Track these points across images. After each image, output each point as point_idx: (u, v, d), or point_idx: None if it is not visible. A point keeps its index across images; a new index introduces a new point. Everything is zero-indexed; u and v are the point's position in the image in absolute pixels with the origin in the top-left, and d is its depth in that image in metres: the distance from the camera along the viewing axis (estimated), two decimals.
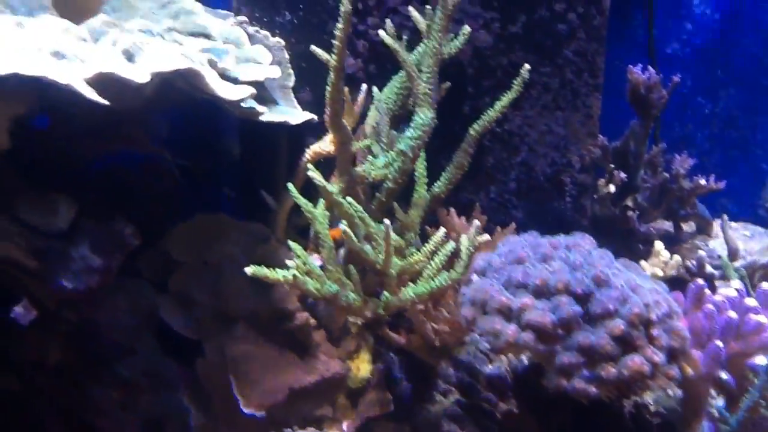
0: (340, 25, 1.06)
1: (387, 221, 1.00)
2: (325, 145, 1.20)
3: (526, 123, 1.50)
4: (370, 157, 1.18)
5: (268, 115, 1.14)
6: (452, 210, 1.27)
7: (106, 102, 0.86)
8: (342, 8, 1.05)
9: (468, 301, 0.96)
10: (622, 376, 0.86)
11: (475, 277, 0.99)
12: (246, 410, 1.08)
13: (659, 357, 0.87)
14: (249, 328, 1.21)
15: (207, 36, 1.33)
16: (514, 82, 1.21)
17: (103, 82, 0.88)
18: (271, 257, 1.24)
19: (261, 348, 1.19)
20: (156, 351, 1.13)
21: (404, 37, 1.45)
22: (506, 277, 0.94)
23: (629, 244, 1.53)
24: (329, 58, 1.07)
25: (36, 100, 0.91)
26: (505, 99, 1.20)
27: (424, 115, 1.11)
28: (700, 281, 0.98)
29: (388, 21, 1.40)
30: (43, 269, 0.94)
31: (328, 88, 1.11)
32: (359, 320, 1.17)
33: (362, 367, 1.24)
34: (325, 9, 1.47)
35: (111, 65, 0.89)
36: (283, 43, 1.46)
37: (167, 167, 1.14)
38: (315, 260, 1.24)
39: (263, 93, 1.32)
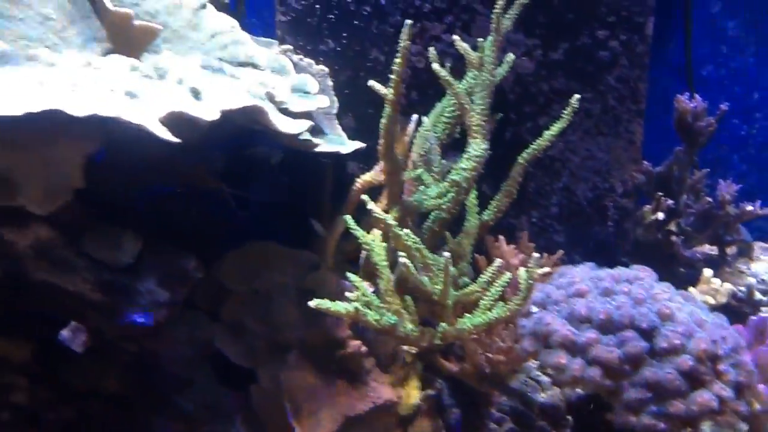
0: (398, 60, 1.07)
1: (447, 254, 1.01)
2: (376, 174, 1.21)
3: (568, 148, 1.51)
4: (422, 187, 1.18)
5: (322, 146, 1.15)
6: (501, 237, 1.28)
7: (177, 140, 0.88)
8: (401, 43, 1.07)
9: (529, 334, 0.96)
10: (691, 412, 0.86)
11: (534, 309, 0.99)
12: None
13: (727, 392, 0.87)
14: (302, 356, 1.21)
15: (255, 66, 1.34)
16: (564, 111, 1.21)
17: (173, 120, 0.90)
18: (321, 285, 1.25)
19: (314, 376, 1.20)
20: (212, 381, 1.14)
21: (447, 64, 1.46)
22: (568, 310, 0.95)
23: (672, 269, 1.53)
24: (386, 92, 1.08)
25: (104, 137, 0.92)
26: (555, 128, 1.21)
27: (478, 147, 1.12)
28: (763, 315, 0.98)
29: (431, 49, 1.42)
30: (111, 303, 0.95)
31: (384, 121, 1.12)
32: (413, 349, 1.17)
33: (412, 393, 1.24)
34: (368, 37, 1.49)
35: (181, 104, 0.90)
36: (326, 70, 1.47)
37: (223, 199, 1.16)
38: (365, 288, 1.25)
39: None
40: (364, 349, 1.23)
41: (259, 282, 1.26)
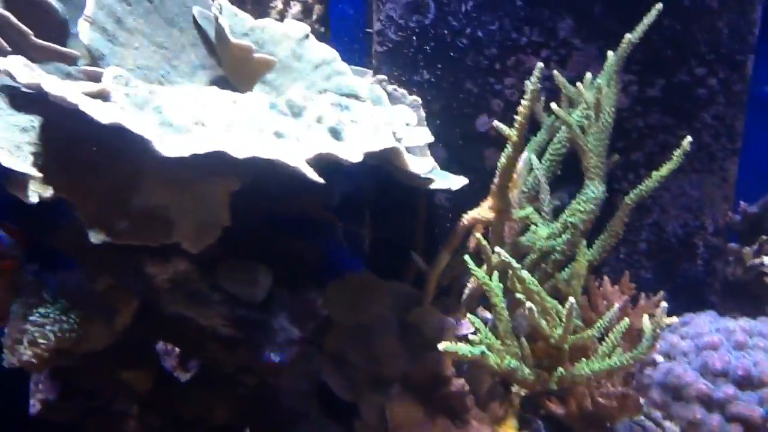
0: (525, 102, 1.07)
1: (572, 300, 1.01)
2: (484, 212, 1.21)
3: (660, 184, 1.50)
4: (533, 227, 1.18)
5: (437, 183, 1.16)
6: (605, 278, 1.27)
7: (323, 181, 0.88)
8: (530, 86, 1.07)
9: (658, 385, 0.96)
10: None
11: (659, 359, 0.99)
12: None
13: None
14: (404, 391, 1.21)
15: (357, 97, 1.35)
16: (675, 153, 1.21)
17: (319, 161, 0.91)
18: (425, 321, 1.25)
19: (418, 411, 1.20)
20: (320, 414, 1.14)
21: (542, 97, 1.47)
22: (700, 363, 0.94)
23: (763, 307, 1.52)
24: (510, 133, 1.08)
25: (247, 174, 0.93)
26: (664, 169, 1.20)
27: (596, 188, 1.12)
28: None
29: (527, 82, 1.42)
30: (244, 339, 0.96)
31: (503, 161, 1.13)
32: (522, 391, 1.17)
33: None
34: (463, 68, 1.49)
35: (327, 146, 0.91)
36: (419, 101, 1.48)
37: (336, 232, 1.16)
38: (467, 326, 1.25)
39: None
40: (467, 387, 1.23)
41: (361, 315, 1.26)
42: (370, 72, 1.53)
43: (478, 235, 1.14)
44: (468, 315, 1.06)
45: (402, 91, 1.49)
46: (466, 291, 1.26)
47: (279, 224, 1.07)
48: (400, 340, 1.27)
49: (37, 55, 1.15)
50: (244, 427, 1.09)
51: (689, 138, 1.22)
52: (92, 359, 0.98)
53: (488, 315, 1.32)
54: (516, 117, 1.10)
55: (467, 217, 1.25)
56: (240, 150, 0.83)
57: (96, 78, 1.11)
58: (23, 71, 0.86)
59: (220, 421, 1.14)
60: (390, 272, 1.39)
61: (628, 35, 1.15)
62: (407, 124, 1.34)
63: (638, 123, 1.49)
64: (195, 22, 1.38)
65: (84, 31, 1.17)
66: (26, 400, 1.12)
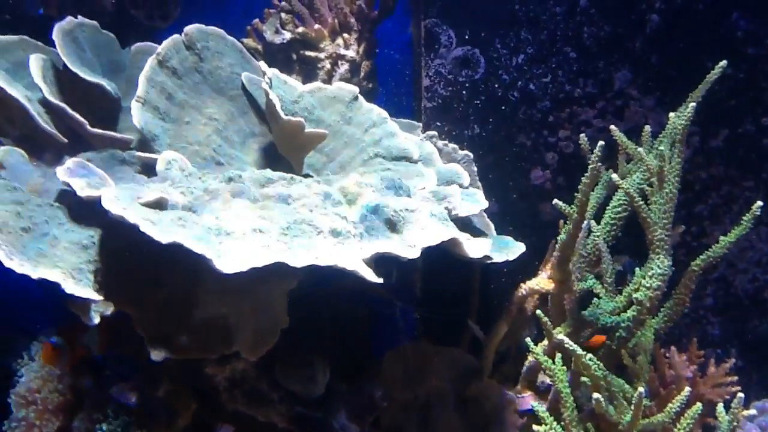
0: (586, 180, 1.03)
1: (641, 389, 0.97)
2: (544, 283, 1.18)
3: None
4: (596, 300, 1.14)
5: (495, 257, 1.12)
6: (673, 349, 1.22)
7: (381, 281, 0.86)
8: (590, 164, 1.03)
9: None
10: None
11: None
12: None
13: None
14: None
15: (409, 159, 1.33)
16: (744, 218, 1.15)
17: (377, 258, 0.89)
18: (485, 396, 1.22)
19: None
20: None
21: (597, 151, 1.42)
22: None
23: None
24: (570, 212, 1.05)
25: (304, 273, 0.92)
26: (733, 234, 1.14)
27: (662, 264, 1.08)
28: None
29: (582, 136, 1.37)
30: None
31: (564, 238, 1.09)
32: None
33: None
34: (515, 123, 1.46)
35: (386, 245, 0.89)
36: (471, 155, 1.45)
37: (393, 311, 1.15)
38: (527, 401, 1.22)
39: (465, 221, 1.30)
40: None
41: (418, 388, 1.24)
42: (420, 126, 1.51)
43: (540, 313, 1.11)
44: (532, 402, 1.02)
45: (453, 146, 1.46)
46: (527, 363, 1.22)
47: (335, 310, 1.06)
48: (459, 414, 1.24)
49: (93, 142, 1.17)
50: None
51: (759, 203, 1.16)
52: None
53: (548, 381, 1.28)
54: (577, 195, 1.06)
55: (526, 287, 1.21)
56: (298, 260, 0.82)
57: (151, 164, 1.12)
58: (83, 186, 0.86)
59: None
60: (445, 335, 1.36)
61: (692, 102, 1.10)
62: (461, 186, 1.31)
63: (701, 174, 1.43)
64: (244, 89, 1.38)
65: (136, 114, 1.18)
66: None
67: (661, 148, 1.11)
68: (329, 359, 1.01)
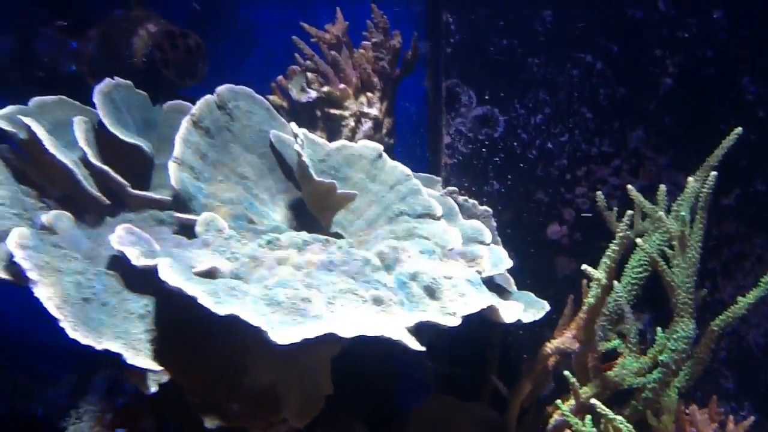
0: (615, 247, 1.08)
1: None
2: (569, 342, 1.21)
3: (739, 293, 1.48)
4: (621, 361, 1.18)
5: (524, 317, 1.15)
6: (693, 407, 1.26)
7: (423, 349, 0.89)
8: (619, 233, 1.07)
9: None
10: None
11: None
12: None
13: None
14: None
15: (432, 216, 1.36)
16: (762, 280, 1.19)
17: (418, 326, 0.92)
18: None
19: None
20: None
21: (614, 208, 1.47)
22: None
23: None
24: (600, 276, 1.09)
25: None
26: (752, 295, 1.19)
27: (686, 327, 1.12)
28: None
29: (599, 193, 1.42)
30: None
31: (591, 301, 1.13)
32: None
33: None
34: (533, 179, 1.50)
35: (429, 314, 0.92)
36: (490, 211, 1.49)
37: (426, 370, 1.18)
38: None
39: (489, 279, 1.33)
40: None
41: None
42: (439, 181, 1.55)
43: (568, 374, 1.14)
44: None
45: (473, 201, 1.51)
46: (552, 422, 1.25)
47: (368, 371, 1.09)
48: None
49: (130, 202, 1.20)
50: None
51: None
52: None
53: None
54: (605, 261, 1.10)
55: (552, 347, 1.25)
56: (347, 331, 0.85)
57: (189, 225, 1.15)
58: (137, 255, 0.89)
59: None
60: (466, 390, 1.39)
61: (713, 172, 1.15)
62: (483, 243, 1.35)
63: (713, 231, 1.48)
64: (272, 146, 1.42)
65: (174, 175, 1.21)
66: None
67: (682, 213, 1.16)
68: (364, 417, 1.03)
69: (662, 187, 1.38)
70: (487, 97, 1.47)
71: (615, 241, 1.08)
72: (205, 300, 0.82)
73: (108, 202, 1.15)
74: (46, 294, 0.81)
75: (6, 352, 1.71)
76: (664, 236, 1.26)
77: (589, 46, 1.43)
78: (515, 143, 1.49)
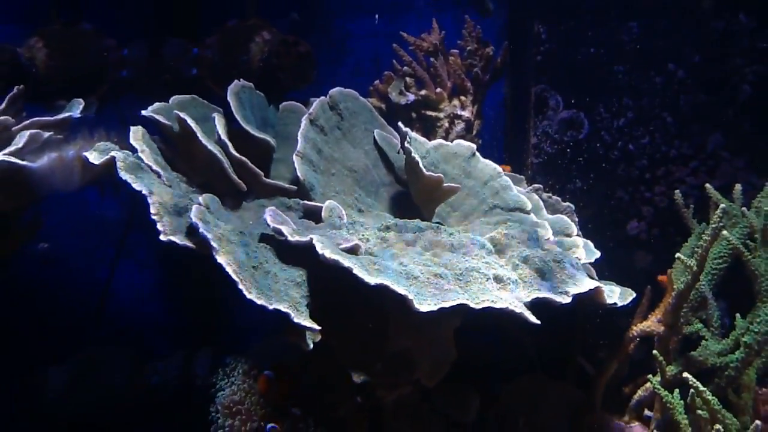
0: (707, 237, 1.18)
1: (758, 422, 1.10)
2: (654, 325, 1.32)
3: None
4: (704, 342, 1.28)
5: (620, 301, 1.26)
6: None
7: (539, 322, 1.01)
8: (713, 224, 1.17)
9: None
10: None
11: None
12: None
13: None
14: None
15: (522, 210, 1.49)
16: None
17: (533, 303, 1.04)
18: (599, 428, 1.35)
19: None
20: None
21: (691, 206, 1.57)
22: None
23: None
24: (692, 264, 1.19)
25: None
26: None
27: None
28: None
29: (677, 192, 1.52)
30: None
31: (682, 287, 1.23)
32: None
33: None
34: (614, 177, 1.61)
35: (544, 292, 1.04)
36: (572, 207, 1.60)
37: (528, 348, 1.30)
38: (638, 431, 1.35)
39: None
40: None
41: (536, 415, 1.38)
42: (523, 179, 1.67)
43: (656, 353, 1.24)
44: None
45: (556, 198, 1.62)
46: (636, 397, 1.36)
47: (479, 349, 1.21)
48: None
49: (264, 191, 1.35)
50: None
51: None
52: None
53: (650, 413, 1.41)
54: (697, 250, 1.20)
55: (637, 329, 1.35)
56: (478, 303, 0.98)
57: (314, 211, 1.29)
58: (291, 232, 1.03)
59: None
60: (554, 370, 1.50)
61: None
62: (569, 236, 1.47)
63: None
64: (376, 144, 1.56)
65: (299, 167, 1.35)
66: None
67: (766, 208, 1.26)
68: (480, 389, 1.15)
69: (738, 186, 1.48)
70: (573, 102, 1.59)
71: (708, 232, 1.18)
72: (359, 271, 0.96)
73: (245, 188, 1.30)
74: (225, 260, 0.96)
75: (121, 330, 1.88)
76: (743, 231, 1.36)
77: (673, 55, 1.54)
78: (598, 144, 1.60)
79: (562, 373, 1.51)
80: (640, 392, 1.36)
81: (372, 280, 0.96)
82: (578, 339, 1.52)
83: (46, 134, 1.16)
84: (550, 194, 1.63)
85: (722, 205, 1.16)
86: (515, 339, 1.43)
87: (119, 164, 1.09)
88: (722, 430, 1.12)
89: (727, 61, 1.53)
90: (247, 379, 1.10)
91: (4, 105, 1.27)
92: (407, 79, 1.65)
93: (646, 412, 1.41)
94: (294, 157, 1.37)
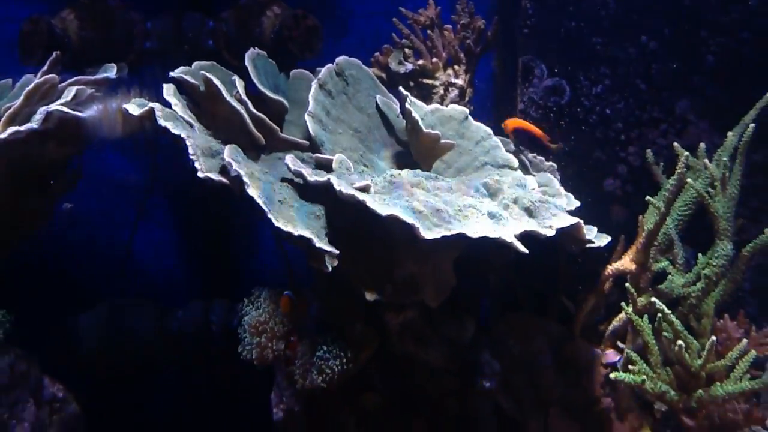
0: (673, 182, 1.35)
1: (714, 339, 1.28)
2: (627, 264, 1.50)
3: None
4: (670, 276, 1.46)
5: (597, 243, 1.44)
6: (726, 316, 1.53)
7: (526, 251, 1.18)
8: (678, 170, 1.35)
9: None
10: None
11: None
12: None
13: None
14: (562, 411, 1.50)
15: (510, 167, 1.66)
16: None
17: (522, 236, 1.21)
18: (578, 354, 1.53)
19: (575, 427, 1.48)
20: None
21: (660, 163, 1.74)
22: None
23: None
24: (659, 205, 1.37)
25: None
26: None
27: (725, 247, 1.40)
28: None
29: (648, 151, 1.69)
30: (459, 371, 1.26)
31: (650, 227, 1.41)
32: (664, 407, 1.43)
33: None
34: (593, 139, 1.79)
35: (532, 225, 1.22)
36: (555, 166, 1.78)
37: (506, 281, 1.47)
38: (611, 355, 1.53)
39: None
40: (613, 404, 1.51)
41: (525, 347, 1.55)
42: (510, 142, 1.84)
43: (628, 285, 1.42)
44: (626, 351, 1.34)
45: (540, 158, 1.79)
46: (610, 328, 1.54)
47: (474, 279, 1.38)
48: (556, 367, 1.55)
49: (279, 145, 1.51)
50: None
51: None
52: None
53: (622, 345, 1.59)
54: (664, 194, 1.38)
55: (611, 268, 1.53)
56: (475, 232, 1.15)
57: (325, 163, 1.46)
58: (309, 173, 1.19)
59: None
60: (537, 308, 1.68)
61: (751, 124, 1.42)
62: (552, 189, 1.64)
63: (744, 182, 1.74)
64: (378, 108, 1.72)
65: (310, 125, 1.52)
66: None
67: (724, 159, 1.44)
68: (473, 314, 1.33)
69: (702, 146, 1.66)
70: (556, 70, 1.76)
71: (673, 177, 1.36)
72: (372, 204, 1.12)
73: (263, 142, 1.45)
74: (256, 193, 1.12)
75: (143, 285, 2.04)
76: (705, 181, 1.53)
77: (646, 28, 1.71)
78: (579, 109, 1.78)
79: (545, 311, 1.68)
80: (614, 322, 1.54)
81: (384, 211, 1.12)
82: (561, 281, 1.70)
83: (89, 90, 1.31)
84: (534, 155, 1.80)
85: (686, 153, 1.34)
86: (505, 280, 1.60)
87: (158, 113, 1.25)
88: (683, 345, 1.30)
89: (694, 34, 1.70)
90: (271, 303, 1.26)
91: (46, 66, 1.42)
92: (405, 50, 1.81)
93: (620, 344, 1.59)
94: (306, 116, 1.53)
